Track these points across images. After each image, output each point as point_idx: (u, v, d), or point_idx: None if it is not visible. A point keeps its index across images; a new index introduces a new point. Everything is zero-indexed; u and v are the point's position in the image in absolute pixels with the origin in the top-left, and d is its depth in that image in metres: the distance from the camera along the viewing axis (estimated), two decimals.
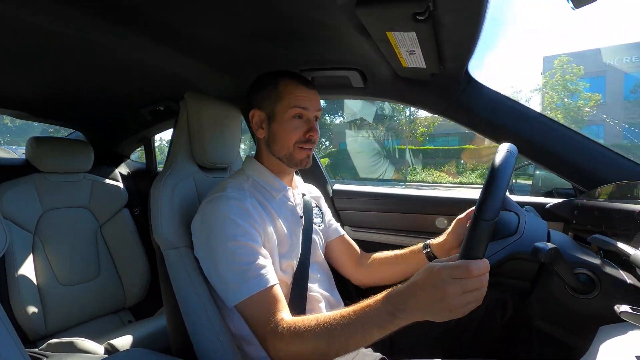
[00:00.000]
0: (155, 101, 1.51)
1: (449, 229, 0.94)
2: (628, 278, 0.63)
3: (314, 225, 0.98)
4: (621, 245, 0.65)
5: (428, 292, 0.55)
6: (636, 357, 0.46)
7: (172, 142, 0.96)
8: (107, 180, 1.70)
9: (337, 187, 1.56)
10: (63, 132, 2.05)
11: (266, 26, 0.84)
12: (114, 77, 1.26)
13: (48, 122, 1.88)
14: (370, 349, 0.87)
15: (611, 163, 0.97)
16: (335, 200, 1.52)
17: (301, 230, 0.92)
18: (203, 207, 0.81)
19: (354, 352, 0.84)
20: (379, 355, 0.85)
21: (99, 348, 1.06)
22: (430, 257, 0.96)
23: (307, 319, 0.67)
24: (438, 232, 1.00)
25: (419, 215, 1.36)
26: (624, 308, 0.49)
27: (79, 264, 1.51)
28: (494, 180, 0.62)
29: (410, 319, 0.57)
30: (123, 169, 1.94)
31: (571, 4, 0.53)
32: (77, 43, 0.96)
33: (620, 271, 0.65)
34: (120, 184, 1.75)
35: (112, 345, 1.11)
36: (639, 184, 0.83)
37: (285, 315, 0.71)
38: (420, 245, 0.99)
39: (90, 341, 1.07)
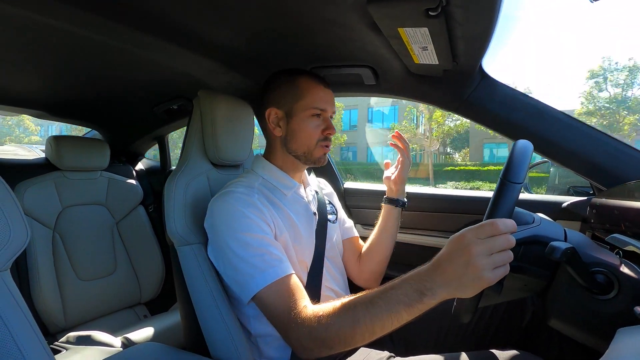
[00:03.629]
0: (169, 100, 1.53)
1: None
2: None
3: (329, 222, 0.97)
4: None
5: (454, 259, 0.53)
6: None
7: (185, 140, 0.98)
8: (123, 178, 1.73)
9: (347, 185, 1.56)
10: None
11: (277, 24, 0.85)
12: (129, 77, 1.29)
13: (67, 122, 1.93)
14: (376, 350, 0.85)
15: (632, 160, 0.94)
16: (346, 199, 1.52)
17: (315, 227, 0.91)
18: (211, 204, 0.81)
19: (362, 353, 0.84)
20: (387, 353, 0.84)
21: (115, 341, 1.09)
22: (391, 200, 1.09)
23: (330, 304, 0.64)
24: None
25: (431, 214, 1.34)
26: None
27: (97, 260, 1.55)
28: (519, 147, 0.63)
29: (439, 296, 0.55)
30: (138, 167, 1.97)
31: None
32: (94, 45, 0.98)
33: None
34: (135, 182, 1.79)
35: (128, 339, 1.14)
36: None
37: (307, 302, 0.69)
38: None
39: (108, 335, 1.10)
